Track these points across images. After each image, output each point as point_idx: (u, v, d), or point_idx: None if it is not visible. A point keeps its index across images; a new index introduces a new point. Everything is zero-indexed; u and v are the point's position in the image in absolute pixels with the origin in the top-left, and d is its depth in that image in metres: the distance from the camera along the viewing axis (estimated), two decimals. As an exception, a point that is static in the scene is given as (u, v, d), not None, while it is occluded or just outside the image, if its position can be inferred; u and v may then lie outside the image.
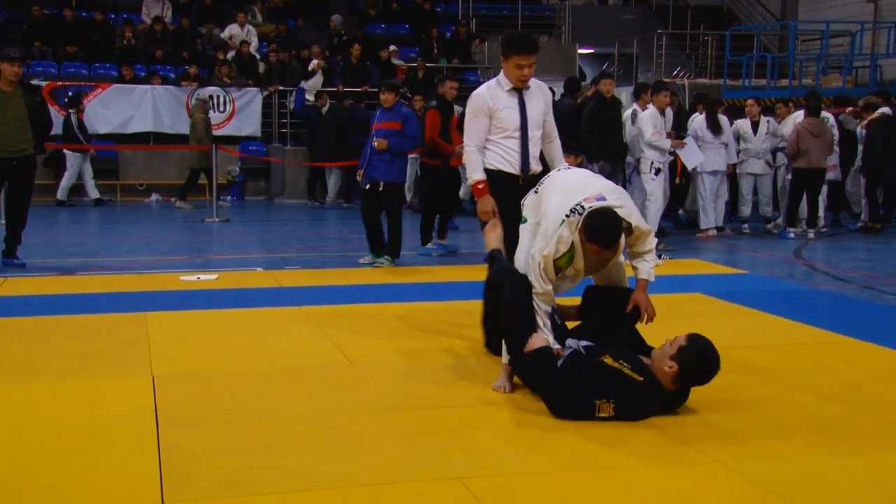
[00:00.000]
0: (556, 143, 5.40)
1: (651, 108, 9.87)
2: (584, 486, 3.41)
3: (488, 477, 3.44)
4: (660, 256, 8.90)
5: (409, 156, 13.71)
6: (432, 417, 4.15)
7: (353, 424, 4.03)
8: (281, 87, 15.95)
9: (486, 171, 5.18)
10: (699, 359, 4.03)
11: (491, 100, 5.14)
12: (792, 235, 10.98)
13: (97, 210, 13.80)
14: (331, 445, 3.76)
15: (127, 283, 7.58)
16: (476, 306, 6.82)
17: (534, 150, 5.20)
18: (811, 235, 10.94)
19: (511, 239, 4.90)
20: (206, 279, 7.66)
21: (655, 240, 4.63)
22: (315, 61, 15.93)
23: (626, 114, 10.41)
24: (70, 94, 14.37)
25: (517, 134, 5.14)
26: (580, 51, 19.68)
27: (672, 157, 10.14)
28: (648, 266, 4.50)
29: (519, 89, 5.14)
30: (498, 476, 3.46)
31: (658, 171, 9.57)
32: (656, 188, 9.57)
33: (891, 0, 17.84)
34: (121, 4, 17.97)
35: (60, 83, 15.12)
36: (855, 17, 17.37)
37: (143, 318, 6.07)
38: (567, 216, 4.25)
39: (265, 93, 15.88)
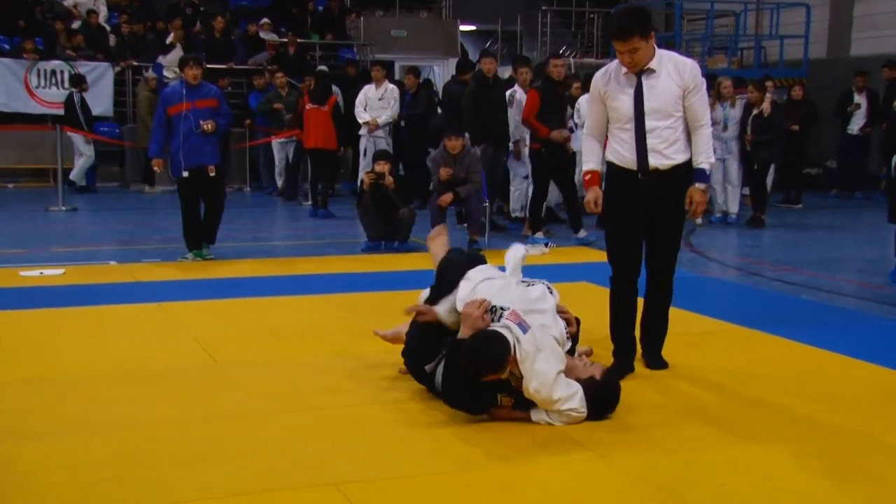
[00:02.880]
0: (702, 133, 4.71)
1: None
2: (461, 487, 3.46)
3: (365, 482, 3.45)
4: (546, 245, 9.10)
5: (278, 139, 13.65)
6: (305, 420, 4.13)
7: (220, 430, 3.97)
8: (135, 63, 15.43)
9: (607, 162, 4.90)
10: (599, 403, 4.11)
11: (603, 84, 4.75)
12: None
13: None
14: (195, 454, 3.69)
15: (-41, 280, 7.22)
16: (352, 299, 6.80)
17: (655, 143, 4.66)
18: (699, 222, 11.35)
19: (627, 241, 4.80)
20: (51, 274, 7.39)
21: (568, 407, 4.04)
22: (173, 34, 15.50)
23: (508, 94, 10.51)
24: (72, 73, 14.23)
25: (630, 125, 4.68)
26: (462, 27, 19.82)
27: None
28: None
29: (638, 73, 4.63)
30: (374, 481, 3.48)
31: None
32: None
33: (774, -19, 18.68)
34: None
35: None
36: (739, -3, 18.11)
37: (-21, 319, 5.81)
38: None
39: (117, 68, 15.34)
